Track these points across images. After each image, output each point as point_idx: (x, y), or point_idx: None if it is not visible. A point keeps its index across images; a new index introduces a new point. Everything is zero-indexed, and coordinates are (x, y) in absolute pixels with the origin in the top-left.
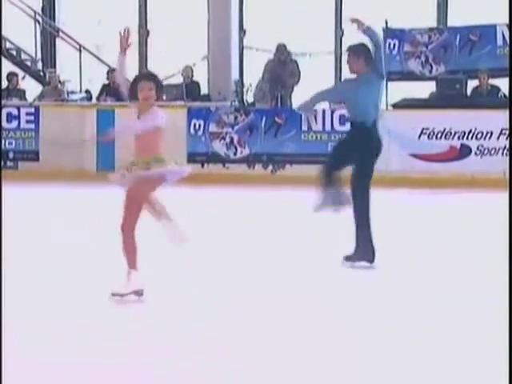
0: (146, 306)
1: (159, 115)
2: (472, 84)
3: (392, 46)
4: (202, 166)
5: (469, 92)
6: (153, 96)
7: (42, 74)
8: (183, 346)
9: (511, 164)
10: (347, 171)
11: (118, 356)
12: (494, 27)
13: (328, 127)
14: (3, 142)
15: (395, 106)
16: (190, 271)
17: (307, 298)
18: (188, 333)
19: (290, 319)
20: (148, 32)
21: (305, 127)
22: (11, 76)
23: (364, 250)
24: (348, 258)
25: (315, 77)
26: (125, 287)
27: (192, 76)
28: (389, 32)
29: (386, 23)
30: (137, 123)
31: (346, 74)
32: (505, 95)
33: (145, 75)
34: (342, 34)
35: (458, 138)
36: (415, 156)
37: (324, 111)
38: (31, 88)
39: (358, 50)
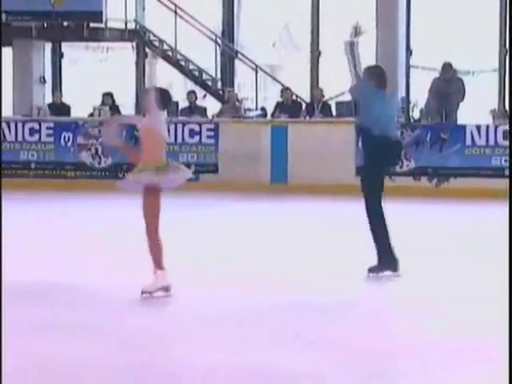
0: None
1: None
2: None
3: None
4: None
5: None
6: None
7: (221, 92)
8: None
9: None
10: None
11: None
12: None
13: (491, 142)
14: (186, 156)
15: None
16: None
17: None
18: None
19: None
20: (320, 52)
21: (469, 142)
22: (190, 94)
23: (386, 260)
24: (371, 270)
25: (479, 94)
26: (152, 285)
27: None
28: None
29: None
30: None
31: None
32: None
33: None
34: (506, 53)
35: None
36: None
37: (488, 126)
38: (211, 106)
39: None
